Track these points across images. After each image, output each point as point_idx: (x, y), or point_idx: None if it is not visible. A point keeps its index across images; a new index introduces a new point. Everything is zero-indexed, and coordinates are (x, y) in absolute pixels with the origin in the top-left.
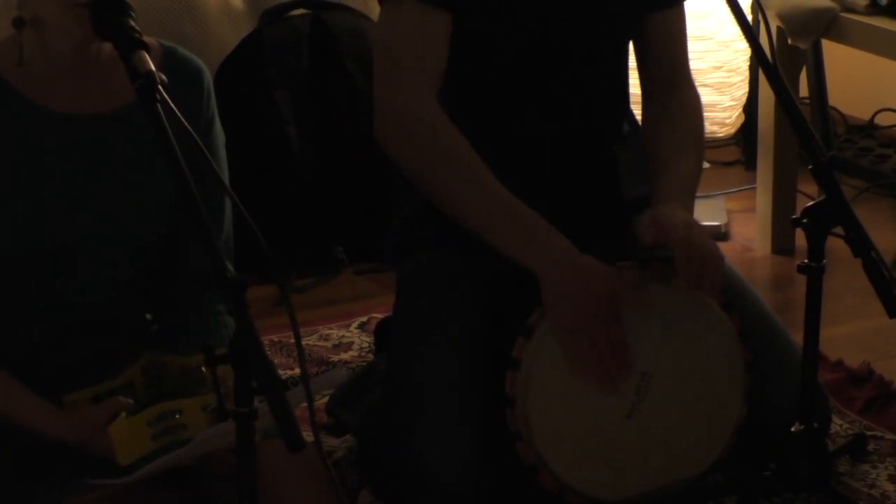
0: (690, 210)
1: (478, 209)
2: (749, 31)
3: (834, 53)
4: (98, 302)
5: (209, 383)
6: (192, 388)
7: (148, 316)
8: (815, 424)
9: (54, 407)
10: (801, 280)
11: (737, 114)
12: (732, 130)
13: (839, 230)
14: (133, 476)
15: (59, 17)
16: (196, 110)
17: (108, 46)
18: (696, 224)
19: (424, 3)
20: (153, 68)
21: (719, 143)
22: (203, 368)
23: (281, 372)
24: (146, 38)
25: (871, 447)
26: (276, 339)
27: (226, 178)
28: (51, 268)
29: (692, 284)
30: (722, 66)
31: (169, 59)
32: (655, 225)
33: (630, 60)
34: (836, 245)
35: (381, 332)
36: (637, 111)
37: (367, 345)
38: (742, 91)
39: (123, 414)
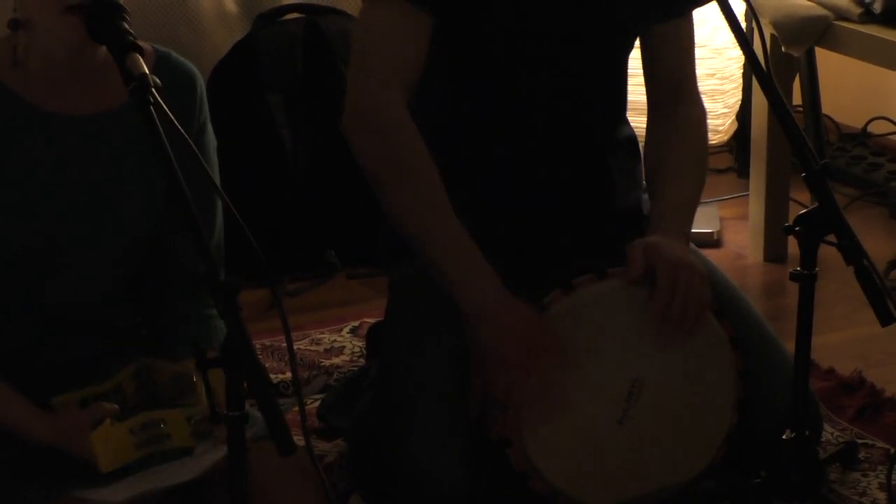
0: (688, 229)
1: (419, 230)
2: (743, 39)
3: (827, 61)
4: (86, 303)
5: (199, 391)
6: (181, 395)
7: (137, 318)
8: (807, 432)
9: (39, 409)
10: (794, 288)
11: (730, 121)
12: (725, 138)
13: (832, 238)
14: (121, 498)
15: (51, 22)
16: (188, 116)
17: (102, 49)
18: (685, 265)
19: (406, 3)
20: (147, 71)
21: (712, 151)
22: (193, 377)
23: (272, 376)
24: (141, 43)
25: (862, 455)
26: (267, 343)
27: (217, 182)
28: (39, 268)
29: (672, 326)
30: (715, 74)
31: (162, 65)
32: (646, 258)
33: (632, 69)
34: (828, 253)
35: (373, 337)
36: (635, 119)
37: (358, 349)
38: (735, 98)
39: (108, 420)
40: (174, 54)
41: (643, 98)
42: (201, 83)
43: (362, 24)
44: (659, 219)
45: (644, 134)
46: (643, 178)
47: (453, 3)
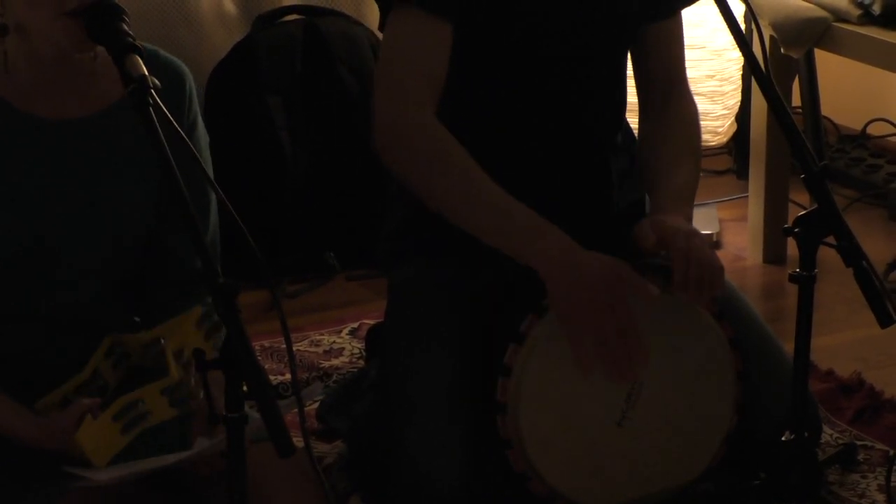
0: (689, 219)
1: (477, 214)
2: (742, 41)
3: (826, 63)
4: (83, 304)
5: (168, 358)
6: (154, 362)
7: (136, 319)
8: (806, 434)
9: (31, 414)
10: (793, 289)
11: (729, 122)
12: (725, 139)
13: (831, 239)
14: (108, 476)
15: (47, 26)
16: (179, 113)
17: (91, 52)
18: (697, 233)
19: (428, 13)
20: (146, 72)
21: (711, 152)
22: (161, 341)
23: (272, 377)
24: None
25: (861, 457)
26: (267, 345)
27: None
28: (36, 270)
29: (690, 296)
30: (715, 75)
31: (151, 63)
32: (656, 232)
33: (627, 70)
34: (827, 254)
35: (373, 339)
36: (632, 120)
37: (358, 351)
38: (734, 100)
39: (89, 416)
40: (162, 52)
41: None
42: (191, 80)
43: (385, 40)
44: (660, 204)
45: None
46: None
47: (469, 9)
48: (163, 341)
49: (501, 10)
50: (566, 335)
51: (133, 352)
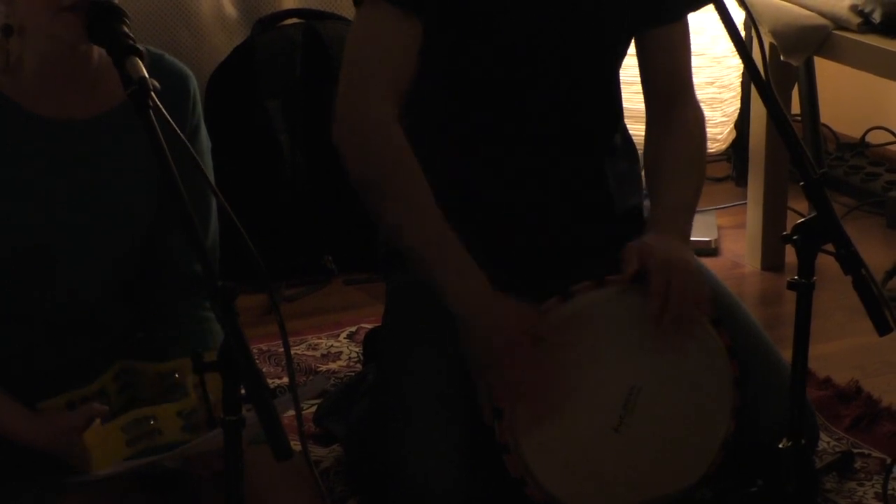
0: (687, 232)
1: (411, 236)
2: (742, 48)
3: (826, 71)
4: (83, 305)
5: (187, 387)
6: (165, 394)
7: (134, 320)
8: (803, 441)
9: (30, 412)
10: (791, 296)
11: (728, 130)
12: (724, 146)
13: (829, 247)
14: (107, 472)
15: (47, 23)
16: (182, 117)
17: (95, 53)
18: (680, 266)
19: (399, 9)
20: (146, 74)
21: (710, 159)
22: (176, 374)
23: (269, 381)
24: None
25: (857, 465)
26: (264, 348)
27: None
28: (35, 271)
29: (668, 327)
30: (714, 82)
31: (155, 66)
32: (641, 259)
33: (632, 77)
34: (826, 262)
35: (370, 343)
36: (635, 126)
37: (355, 355)
38: (734, 107)
39: (98, 420)
40: (167, 56)
41: (643, 105)
42: (194, 84)
43: (353, 34)
44: (656, 220)
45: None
46: (643, 182)
47: (444, 9)
48: (177, 375)
49: (488, 16)
50: (480, 381)
51: (146, 379)
